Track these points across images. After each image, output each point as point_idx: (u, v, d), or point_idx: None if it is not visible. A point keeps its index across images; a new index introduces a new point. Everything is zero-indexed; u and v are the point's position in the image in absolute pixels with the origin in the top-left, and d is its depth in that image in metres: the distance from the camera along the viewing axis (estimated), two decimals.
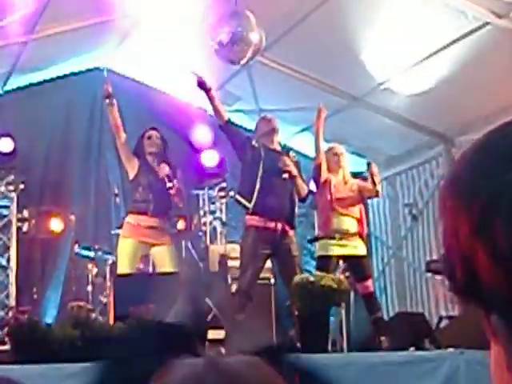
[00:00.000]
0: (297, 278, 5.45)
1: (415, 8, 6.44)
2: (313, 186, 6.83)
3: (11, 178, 8.43)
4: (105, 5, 6.80)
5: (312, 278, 5.40)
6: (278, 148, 6.48)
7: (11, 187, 8.39)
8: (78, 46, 8.12)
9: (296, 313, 5.50)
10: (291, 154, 6.55)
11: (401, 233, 9.21)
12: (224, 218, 8.76)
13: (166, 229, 6.64)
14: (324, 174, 6.62)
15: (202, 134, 9.05)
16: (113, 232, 7.58)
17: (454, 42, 6.69)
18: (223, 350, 4.38)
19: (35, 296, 8.26)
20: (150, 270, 7.11)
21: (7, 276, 8.27)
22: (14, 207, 8.40)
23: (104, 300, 7.22)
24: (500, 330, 0.71)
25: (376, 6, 6.61)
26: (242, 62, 6.37)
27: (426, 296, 8.72)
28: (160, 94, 9.26)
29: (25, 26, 6.90)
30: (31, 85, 8.80)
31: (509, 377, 0.72)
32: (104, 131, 8.60)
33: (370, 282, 6.58)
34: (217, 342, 5.73)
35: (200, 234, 8.61)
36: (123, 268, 6.34)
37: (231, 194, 8.14)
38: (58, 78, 8.93)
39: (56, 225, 8.47)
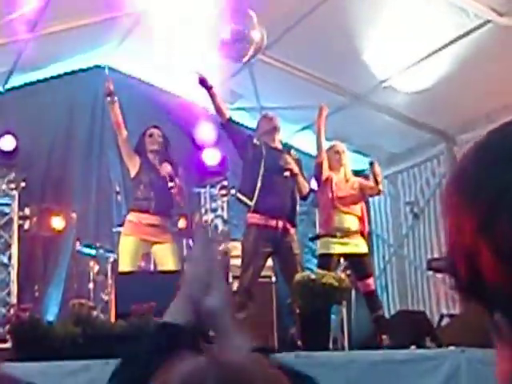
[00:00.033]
0: (298, 276, 5.44)
1: (417, 6, 6.43)
2: (314, 184, 6.84)
3: (12, 175, 8.44)
4: (106, 3, 6.81)
5: (313, 276, 5.39)
6: (280, 146, 6.48)
7: (13, 185, 8.40)
8: (80, 43, 8.12)
9: (297, 311, 5.49)
10: (292, 152, 6.55)
11: (402, 231, 9.21)
12: (225, 216, 8.76)
13: (168, 227, 6.64)
14: (325, 172, 6.62)
15: (203, 132, 9.05)
16: (114, 230, 7.57)
17: (456, 40, 6.68)
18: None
19: (37, 294, 8.27)
20: (152, 268, 7.11)
21: (9, 274, 8.27)
22: (15, 205, 8.41)
23: (105, 298, 7.23)
24: (504, 328, 0.72)
25: (378, 4, 6.60)
26: (244, 59, 6.36)
27: (427, 294, 8.72)
28: (161, 91, 9.27)
29: (26, 24, 6.90)
30: (33, 83, 8.80)
31: None
32: (105, 129, 8.60)
33: (371, 280, 6.58)
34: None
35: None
36: (125, 266, 6.34)
37: (232, 192, 8.15)
38: (60, 75, 8.93)
39: (57, 222, 8.48)
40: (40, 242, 8.58)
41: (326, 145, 6.69)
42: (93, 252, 7.65)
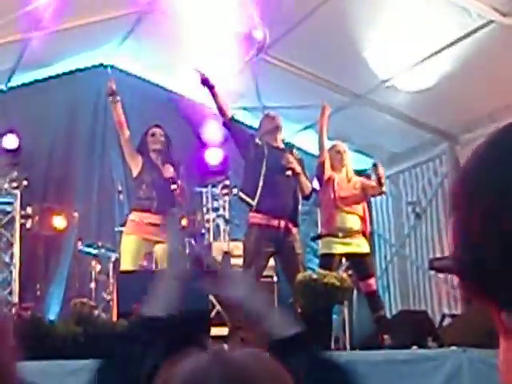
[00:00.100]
0: (300, 276, 5.45)
1: (419, 6, 6.43)
2: (316, 184, 6.83)
3: (15, 174, 8.44)
4: (109, 1, 6.81)
5: (315, 276, 5.40)
6: (282, 145, 6.48)
7: (15, 184, 8.39)
8: (82, 42, 8.12)
9: (299, 310, 5.50)
10: (295, 151, 6.55)
11: (404, 231, 9.20)
12: (227, 216, 8.76)
13: None
14: (327, 172, 6.62)
15: (210, 132, 9.06)
16: (116, 229, 7.57)
17: (459, 39, 6.67)
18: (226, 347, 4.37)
19: (38, 293, 8.27)
20: (154, 267, 7.11)
21: (10, 273, 8.27)
22: (17, 204, 8.40)
23: (107, 297, 7.23)
24: (511, 326, 0.72)
25: (380, 3, 6.60)
26: (246, 59, 6.36)
27: (428, 294, 8.71)
28: (164, 91, 9.27)
29: (29, 22, 6.91)
30: (35, 81, 8.81)
31: None
32: (108, 128, 8.60)
33: (372, 280, 6.58)
34: (220, 338, 5.74)
35: (203, 231, 8.61)
36: (126, 265, 6.34)
37: (234, 191, 8.15)
38: (63, 74, 8.94)
39: (59, 222, 8.48)
40: (42, 241, 8.58)
41: (327, 144, 6.69)
42: (94, 251, 7.65)
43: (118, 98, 6.47)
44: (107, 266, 7.46)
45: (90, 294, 7.35)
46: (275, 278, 7.27)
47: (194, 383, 0.82)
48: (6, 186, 8.41)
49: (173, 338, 1.50)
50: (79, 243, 7.89)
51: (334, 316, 5.92)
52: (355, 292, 6.66)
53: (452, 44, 6.77)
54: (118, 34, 8.35)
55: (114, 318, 5.67)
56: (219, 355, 0.85)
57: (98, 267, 7.60)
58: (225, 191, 8.91)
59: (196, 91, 7.61)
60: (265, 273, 6.43)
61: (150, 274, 6.77)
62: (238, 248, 7.26)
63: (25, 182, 8.36)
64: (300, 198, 6.37)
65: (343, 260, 6.67)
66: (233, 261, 7.44)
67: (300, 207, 6.43)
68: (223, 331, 6.09)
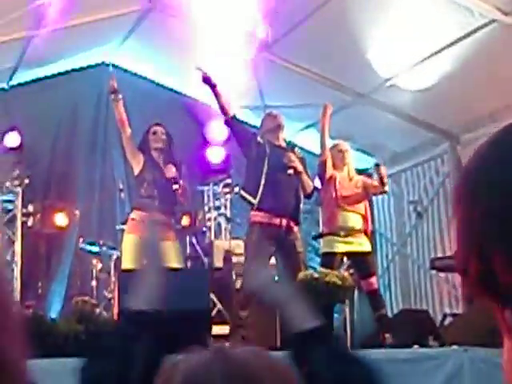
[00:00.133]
0: (301, 275, 5.44)
1: (422, 5, 6.42)
2: (318, 183, 6.83)
3: (17, 172, 8.44)
4: (110, 0, 6.81)
5: (316, 275, 5.40)
6: (283, 144, 6.47)
7: (16, 182, 8.39)
8: (84, 41, 8.12)
9: None
10: (296, 150, 6.54)
11: (405, 230, 9.20)
12: (229, 214, 8.76)
13: (171, 224, 6.64)
14: (329, 171, 6.62)
15: (210, 130, 9.06)
16: (117, 227, 7.58)
17: (461, 39, 6.67)
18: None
19: (40, 291, 8.28)
20: None
21: (12, 271, 8.27)
22: (19, 202, 8.41)
23: (108, 295, 7.23)
24: None
25: (383, 3, 6.60)
26: (248, 57, 6.36)
27: (430, 293, 8.71)
28: (165, 89, 9.27)
29: (31, 20, 6.91)
30: (37, 80, 8.81)
31: None
32: (109, 126, 8.61)
33: (374, 279, 6.58)
34: (221, 337, 5.74)
35: (204, 229, 8.62)
36: (128, 263, 6.34)
37: (236, 190, 8.15)
38: (64, 72, 8.94)
39: (61, 220, 8.49)
40: (43, 239, 8.58)
41: (329, 143, 6.69)
42: (96, 249, 7.66)
43: (120, 96, 6.48)
44: (108, 264, 7.47)
45: (91, 292, 7.35)
46: (276, 277, 7.27)
47: (196, 380, 0.82)
48: (8, 183, 8.41)
49: (159, 333, 1.51)
50: (81, 241, 7.90)
51: (336, 315, 5.92)
52: (356, 291, 6.66)
53: (454, 43, 6.77)
54: (119, 32, 8.36)
55: (115, 316, 5.67)
56: (220, 353, 0.85)
57: (100, 265, 7.60)
58: (226, 190, 8.91)
59: (198, 90, 7.61)
60: None
61: None
62: (239, 246, 7.27)
63: (26, 180, 8.36)
64: (302, 196, 6.36)
65: (345, 259, 6.67)
66: (234, 259, 7.45)
67: (302, 206, 6.43)
68: (224, 329, 6.09)
